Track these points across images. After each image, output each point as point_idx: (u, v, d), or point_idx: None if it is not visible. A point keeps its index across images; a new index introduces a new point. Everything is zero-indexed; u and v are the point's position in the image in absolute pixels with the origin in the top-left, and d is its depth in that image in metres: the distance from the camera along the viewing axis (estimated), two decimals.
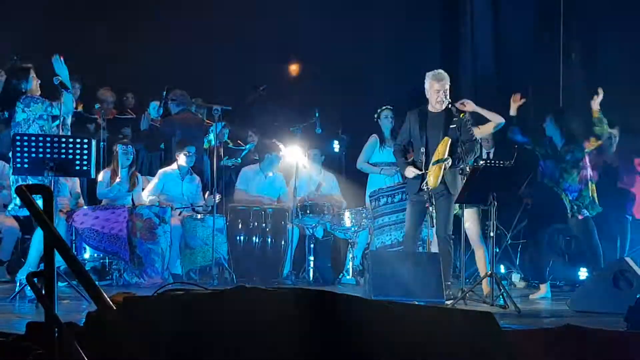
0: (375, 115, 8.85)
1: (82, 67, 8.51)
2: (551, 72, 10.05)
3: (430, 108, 6.92)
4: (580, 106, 7.91)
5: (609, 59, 9.61)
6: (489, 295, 6.53)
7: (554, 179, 7.58)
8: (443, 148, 6.62)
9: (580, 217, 7.49)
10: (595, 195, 7.54)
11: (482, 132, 7.66)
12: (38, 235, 6.39)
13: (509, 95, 7.78)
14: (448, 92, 6.84)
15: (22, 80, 6.52)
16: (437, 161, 6.61)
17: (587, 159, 7.58)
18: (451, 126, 6.73)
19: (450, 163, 6.62)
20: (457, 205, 7.06)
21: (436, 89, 6.82)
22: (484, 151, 8.43)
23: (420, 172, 6.73)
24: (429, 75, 6.93)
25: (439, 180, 6.61)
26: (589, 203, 7.49)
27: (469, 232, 7.30)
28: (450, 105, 6.78)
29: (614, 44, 9.62)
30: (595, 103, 7.57)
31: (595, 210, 7.53)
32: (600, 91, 7.60)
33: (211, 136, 9.01)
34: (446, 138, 6.66)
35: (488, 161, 7.01)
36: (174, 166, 8.70)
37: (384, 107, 8.82)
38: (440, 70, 6.95)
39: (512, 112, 7.62)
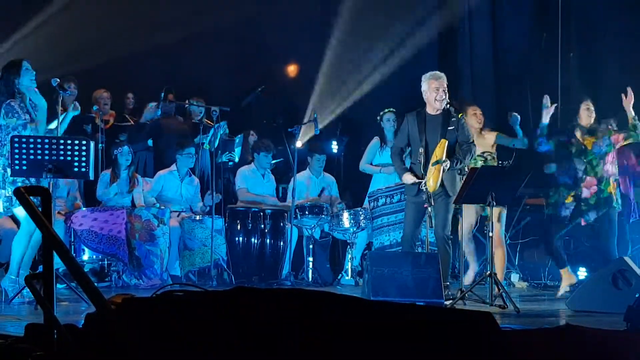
0: (378, 117, 8.85)
1: (81, 68, 8.50)
2: (550, 72, 10.04)
3: (428, 110, 6.91)
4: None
5: (607, 59, 9.60)
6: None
7: (577, 179, 7.35)
8: (440, 150, 6.62)
9: (583, 222, 7.35)
10: (615, 192, 7.34)
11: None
12: (18, 239, 6.27)
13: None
14: (447, 90, 6.84)
15: (14, 73, 6.32)
16: (435, 162, 6.61)
17: (612, 154, 7.37)
18: (449, 128, 6.73)
19: (448, 165, 6.61)
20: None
21: (435, 86, 6.82)
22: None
23: (418, 181, 6.72)
24: (425, 76, 6.93)
25: (438, 183, 6.60)
26: (606, 197, 7.28)
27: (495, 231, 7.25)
28: (448, 106, 6.78)
29: (613, 43, 9.61)
30: (629, 107, 7.25)
31: (614, 207, 7.31)
32: (630, 91, 7.30)
33: (208, 138, 8.96)
34: (443, 140, 6.65)
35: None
36: (173, 168, 8.69)
37: (387, 110, 8.82)
38: (437, 71, 6.97)
39: (545, 119, 7.38)
